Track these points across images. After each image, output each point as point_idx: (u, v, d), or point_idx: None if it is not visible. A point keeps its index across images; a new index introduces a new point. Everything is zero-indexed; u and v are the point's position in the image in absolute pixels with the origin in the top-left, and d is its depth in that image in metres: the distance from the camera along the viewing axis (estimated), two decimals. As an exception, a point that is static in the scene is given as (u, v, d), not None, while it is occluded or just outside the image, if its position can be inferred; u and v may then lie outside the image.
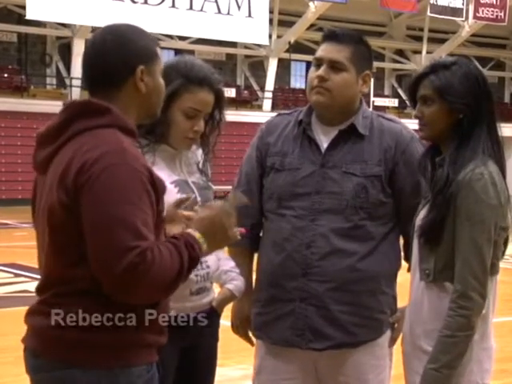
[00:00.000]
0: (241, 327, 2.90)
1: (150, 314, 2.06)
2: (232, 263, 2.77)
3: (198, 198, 2.60)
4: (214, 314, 2.71)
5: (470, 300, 2.33)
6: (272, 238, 2.75)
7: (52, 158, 2.06)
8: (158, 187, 2.03)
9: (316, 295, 2.65)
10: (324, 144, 2.70)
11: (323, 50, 2.69)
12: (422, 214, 2.49)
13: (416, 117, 2.53)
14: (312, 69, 2.72)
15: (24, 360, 2.13)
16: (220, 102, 2.64)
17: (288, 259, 2.68)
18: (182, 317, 2.56)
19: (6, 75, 24.93)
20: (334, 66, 2.66)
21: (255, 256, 2.91)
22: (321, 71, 2.66)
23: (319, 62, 2.69)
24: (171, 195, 2.54)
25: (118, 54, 2.08)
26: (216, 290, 2.79)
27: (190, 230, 2.09)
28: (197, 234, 2.07)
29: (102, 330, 2.00)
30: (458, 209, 2.36)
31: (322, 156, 2.68)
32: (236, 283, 2.74)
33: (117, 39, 2.09)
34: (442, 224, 2.39)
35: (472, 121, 2.43)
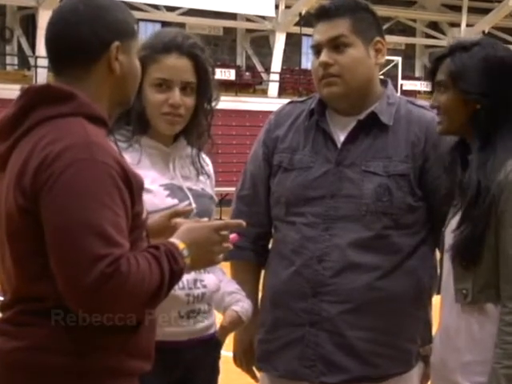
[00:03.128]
0: (244, 358, 2.90)
1: (131, 335, 2.07)
2: (236, 285, 2.77)
3: (194, 205, 2.61)
4: (212, 342, 2.71)
5: None
6: (279, 251, 2.75)
7: (10, 153, 2.07)
8: (132, 185, 2.04)
9: (329, 318, 2.64)
10: (340, 138, 2.70)
11: (318, 33, 2.70)
12: (452, 225, 2.49)
13: (432, 106, 2.54)
14: (313, 58, 2.73)
15: None
16: (200, 71, 2.64)
17: (296, 275, 2.68)
18: (174, 342, 2.56)
19: (-43, 54, 25.00)
20: (336, 45, 2.66)
21: (262, 273, 2.91)
22: (323, 57, 2.66)
23: (319, 48, 2.69)
24: (160, 199, 2.54)
25: (91, 25, 2.08)
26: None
27: (172, 239, 2.10)
28: (180, 245, 2.08)
29: (74, 353, 2.00)
30: (502, 215, 2.36)
31: (337, 152, 2.68)
32: (243, 305, 2.72)
33: (91, 9, 2.09)
34: (482, 240, 2.39)
35: (491, 112, 2.44)
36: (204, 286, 2.64)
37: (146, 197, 2.48)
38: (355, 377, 2.66)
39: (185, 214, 2.41)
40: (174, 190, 2.62)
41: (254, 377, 2.93)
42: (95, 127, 2.05)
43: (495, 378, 2.36)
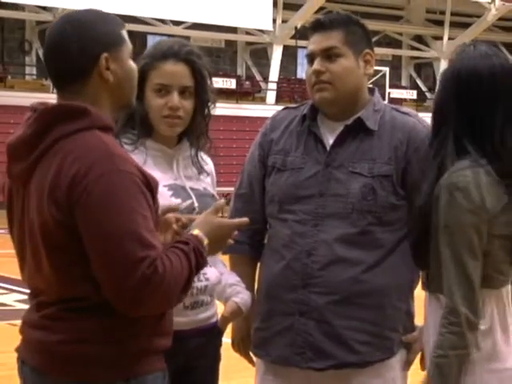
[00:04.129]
0: (241, 345, 2.91)
1: (161, 318, 2.14)
2: (237, 277, 2.77)
3: (196, 204, 2.61)
4: (214, 331, 2.71)
5: (459, 315, 2.32)
6: (272, 245, 2.77)
7: (32, 170, 2.09)
8: (151, 186, 2.09)
9: (317, 308, 2.65)
10: (330, 141, 2.71)
11: (313, 43, 2.72)
12: None
13: None
14: (307, 67, 2.75)
15: (22, 377, 2.18)
16: (197, 75, 2.65)
17: (287, 268, 2.69)
18: (178, 332, 2.56)
19: (-20, 64, 24.97)
20: (329, 55, 2.68)
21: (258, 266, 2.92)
22: (316, 65, 2.68)
23: (312, 57, 2.71)
24: (164, 199, 2.54)
25: (78, 43, 2.10)
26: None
27: (199, 234, 2.16)
28: (205, 240, 2.15)
29: (111, 342, 2.07)
30: (436, 219, 2.37)
31: (326, 154, 2.69)
32: (242, 297, 2.72)
33: (76, 28, 2.12)
34: (422, 243, 2.43)
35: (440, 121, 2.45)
36: (207, 279, 2.64)
37: None
38: (341, 363, 2.66)
39: (175, 210, 2.41)
40: (177, 190, 2.62)
41: (250, 361, 2.93)
42: (106, 135, 2.09)
43: (430, 365, 2.37)
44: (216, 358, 2.75)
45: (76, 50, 2.10)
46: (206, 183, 2.73)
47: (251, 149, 2.87)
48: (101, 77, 2.12)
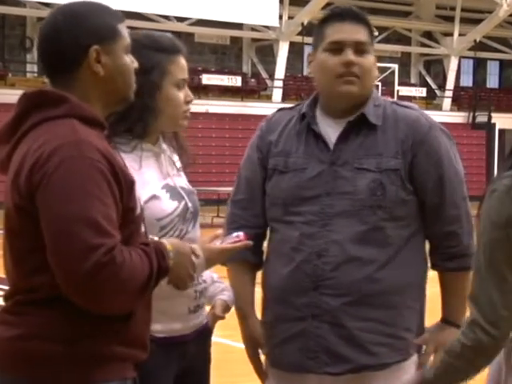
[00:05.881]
0: (253, 353, 2.83)
1: (123, 324, 2.08)
2: (215, 274, 2.78)
3: (190, 204, 2.62)
4: (206, 331, 2.72)
5: (477, 326, 2.25)
6: (278, 249, 2.73)
7: (10, 156, 2.11)
8: (121, 179, 2.06)
9: (330, 311, 2.62)
10: (332, 139, 2.69)
11: (344, 32, 2.67)
12: None
13: None
14: (327, 54, 2.68)
15: None
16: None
17: (297, 271, 2.66)
18: (181, 336, 2.57)
19: (-20, 62, 25.01)
20: (359, 49, 2.66)
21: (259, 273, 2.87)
22: (350, 56, 2.64)
23: (339, 46, 2.66)
24: (166, 203, 2.53)
25: (68, 34, 2.10)
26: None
27: (161, 239, 2.17)
28: (168, 246, 2.13)
29: (69, 342, 2.03)
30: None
31: (330, 153, 2.68)
32: (229, 294, 2.75)
33: (68, 19, 2.12)
34: None
35: None
36: (204, 281, 2.65)
37: (155, 203, 2.49)
38: (358, 366, 2.63)
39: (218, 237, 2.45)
40: (171, 191, 2.59)
41: (260, 371, 2.84)
42: (89, 128, 2.08)
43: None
44: (209, 358, 2.76)
45: (66, 40, 2.10)
46: (185, 179, 2.71)
47: (247, 153, 2.83)
48: (91, 70, 2.11)
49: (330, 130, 2.70)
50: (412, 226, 2.68)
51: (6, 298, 2.14)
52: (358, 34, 2.67)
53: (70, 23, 2.11)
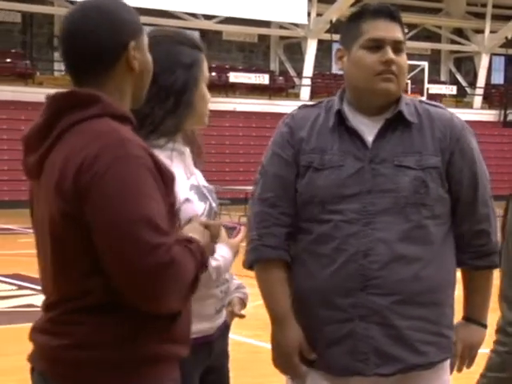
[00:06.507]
0: (291, 359, 2.72)
1: (172, 323, 2.07)
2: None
3: (213, 204, 2.62)
4: (227, 328, 2.73)
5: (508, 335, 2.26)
6: (313, 250, 2.68)
7: (43, 161, 2.07)
8: (164, 175, 2.04)
9: (379, 311, 2.60)
10: (368, 136, 2.69)
11: (382, 30, 2.67)
12: None
13: None
14: (365, 52, 2.68)
15: (32, 383, 2.16)
16: None
17: (339, 272, 2.62)
18: (208, 336, 2.59)
19: (8, 60, 25.21)
20: (396, 47, 2.68)
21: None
22: (390, 54, 2.66)
23: (377, 44, 2.67)
24: (196, 205, 2.52)
25: (106, 31, 2.06)
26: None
27: (196, 238, 2.11)
28: (202, 244, 2.11)
29: (119, 347, 2.02)
30: None
31: (369, 150, 2.67)
32: (244, 291, 2.76)
33: (102, 14, 2.07)
34: None
35: None
36: (227, 281, 2.64)
37: (188, 206, 2.48)
38: (409, 366, 2.63)
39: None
40: (198, 192, 2.59)
41: (298, 374, 2.75)
42: (121, 125, 2.05)
43: None
44: (228, 355, 2.77)
45: (104, 37, 2.06)
46: (203, 177, 2.71)
47: (274, 149, 2.78)
48: (128, 66, 2.09)
49: (364, 127, 2.70)
50: (447, 224, 2.70)
51: (47, 307, 2.11)
52: (396, 32, 2.68)
53: (106, 19, 2.07)
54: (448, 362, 2.72)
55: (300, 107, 2.86)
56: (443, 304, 2.67)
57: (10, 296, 9.70)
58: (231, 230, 2.58)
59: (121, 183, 1.94)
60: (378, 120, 2.70)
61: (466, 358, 2.77)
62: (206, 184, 2.67)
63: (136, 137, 2.05)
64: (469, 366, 2.79)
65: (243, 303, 2.77)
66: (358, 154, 2.67)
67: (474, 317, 2.75)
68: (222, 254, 2.48)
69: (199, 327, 2.52)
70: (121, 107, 2.08)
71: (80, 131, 2.02)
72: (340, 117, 2.71)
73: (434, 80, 31.11)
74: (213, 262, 2.41)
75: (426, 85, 27.72)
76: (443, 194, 2.67)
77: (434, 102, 2.84)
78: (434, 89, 29.21)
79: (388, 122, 2.69)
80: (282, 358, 2.75)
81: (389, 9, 2.70)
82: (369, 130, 2.69)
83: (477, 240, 2.71)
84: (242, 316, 2.75)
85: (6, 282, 10.57)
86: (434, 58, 32.34)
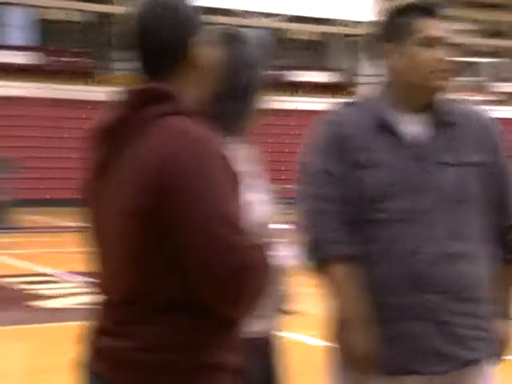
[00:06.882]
0: (367, 363, 2.67)
1: (234, 330, 2.06)
2: None
3: (273, 206, 2.60)
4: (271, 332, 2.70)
5: None
6: (363, 249, 2.65)
7: (116, 156, 2.06)
8: (236, 175, 2.04)
9: (432, 309, 2.61)
10: (412, 134, 2.70)
11: (434, 28, 2.70)
12: None
13: None
14: (420, 49, 2.69)
15: (85, 383, 2.14)
16: None
17: (390, 271, 2.62)
18: (265, 337, 2.58)
19: (68, 59, 25.51)
20: (446, 46, 2.71)
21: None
22: (445, 53, 2.70)
23: (431, 41, 2.69)
24: (257, 205, 2.48)
25: (173, 27, 2.09)
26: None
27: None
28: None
29: (187, 350, 2.00)
30: None
31: (413, 148, 2.68)
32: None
33: (169, 11, 2.10)
34: None
35: None
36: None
37: (252, 207, 2.46)
38: (463, 362, 2.65)
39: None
40: (261, 192, 2.57)
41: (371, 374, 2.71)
42: (196, 122, 2.05)
43: None
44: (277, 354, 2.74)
45: (172, 33, 2.09)
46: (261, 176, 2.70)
47: (321, 145, 2.75)
48: (193, 62, 2.11)
49: (408, 125, 2.71)
50: (487, 220, 2.72)
51: (109, 307, 2.09)
52: (448, 30, 2.72)
53: (172, 16, 2.10)
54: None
55: (342, 105, 2.83)
56: (486, 300, 2.70)
57: (71, 293, 9.88)
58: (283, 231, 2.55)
59: (202, 182, 1.95)
60: (422, 117, 2.72)
61: (502, 353, 2.79)
62: (266, 184, 2.65)
63: (212, 134, 2.05)
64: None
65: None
66: (403, 152, 2.68)
67: (502, 311, 2.77)
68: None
69: (258, 328, 2.50)
70: (190, 103, 2.09)
71: (157, 128, 2.02)
72: (383, 115, 2.71)
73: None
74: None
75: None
76: (482, 191, 2.69)
77: (473, 102, 2.90)
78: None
79: (432, 119, 2.71)
80: (356, 364, 2.69)
81: (440, 6, 2.73)
82: (413, 127, 2.71)
83: (510, 235, 2.77)
84: (294, 313, 2.72)
85: (68, 281, 10.73)
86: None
